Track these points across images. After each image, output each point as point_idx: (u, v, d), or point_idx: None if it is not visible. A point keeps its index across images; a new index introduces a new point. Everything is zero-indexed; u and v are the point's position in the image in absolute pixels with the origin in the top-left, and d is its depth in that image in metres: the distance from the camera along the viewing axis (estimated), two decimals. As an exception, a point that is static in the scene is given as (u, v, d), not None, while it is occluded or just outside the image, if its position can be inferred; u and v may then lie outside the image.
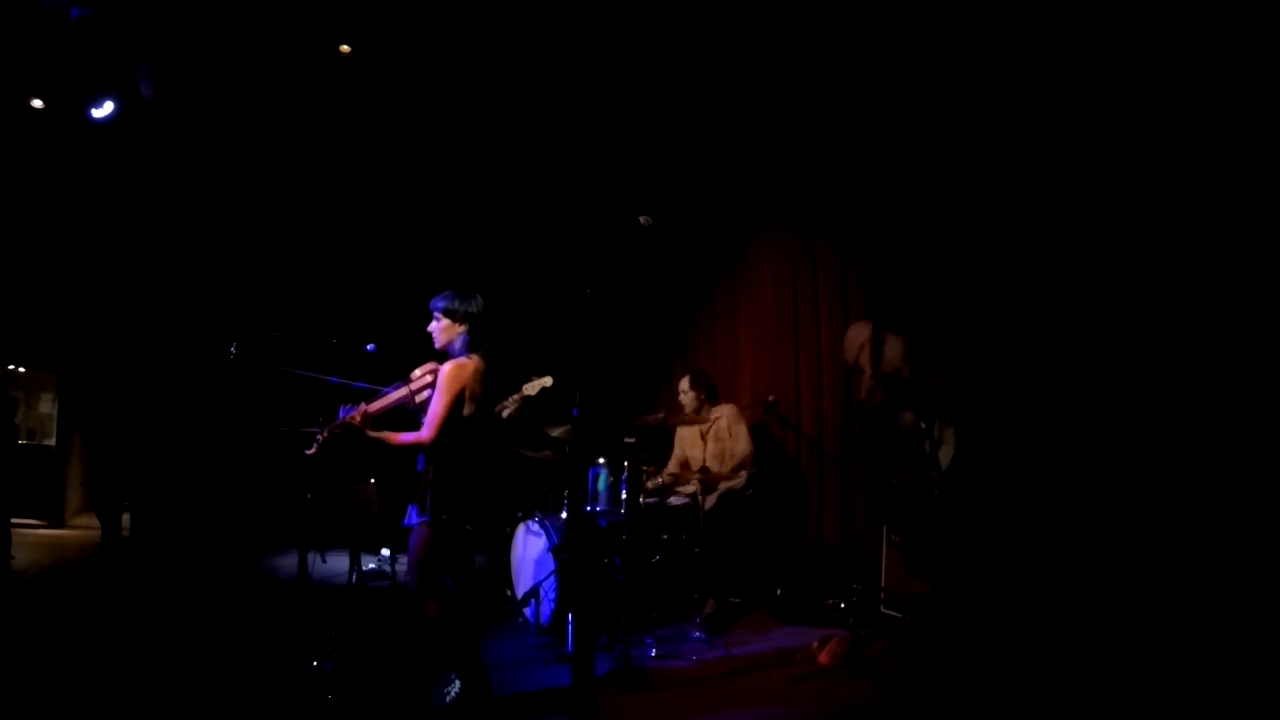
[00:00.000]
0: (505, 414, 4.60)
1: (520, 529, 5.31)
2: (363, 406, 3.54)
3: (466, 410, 3.51)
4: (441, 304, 3.63)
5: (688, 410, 5.77)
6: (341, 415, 3.57)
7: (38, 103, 7.05)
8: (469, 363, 3.53)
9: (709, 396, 5.86)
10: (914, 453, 3.30)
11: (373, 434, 3.50)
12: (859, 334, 3.64)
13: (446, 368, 3.50)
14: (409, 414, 3.61)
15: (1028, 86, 4.51)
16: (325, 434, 3.62)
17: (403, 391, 3.58)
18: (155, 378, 8.41)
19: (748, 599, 5.58)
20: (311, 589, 5.82)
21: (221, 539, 7.74)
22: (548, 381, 4.48)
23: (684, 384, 5.87)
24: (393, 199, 8.36)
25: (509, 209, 8.04)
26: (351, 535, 5.70)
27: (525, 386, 4.55)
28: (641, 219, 3.79)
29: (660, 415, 5.42)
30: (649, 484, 5.35)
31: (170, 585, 6.20)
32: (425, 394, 3.54)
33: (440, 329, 3.63)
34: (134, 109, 6.73)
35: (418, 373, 3.62)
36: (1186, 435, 3.66)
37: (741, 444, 5.67)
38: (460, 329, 3.60)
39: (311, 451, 3.65)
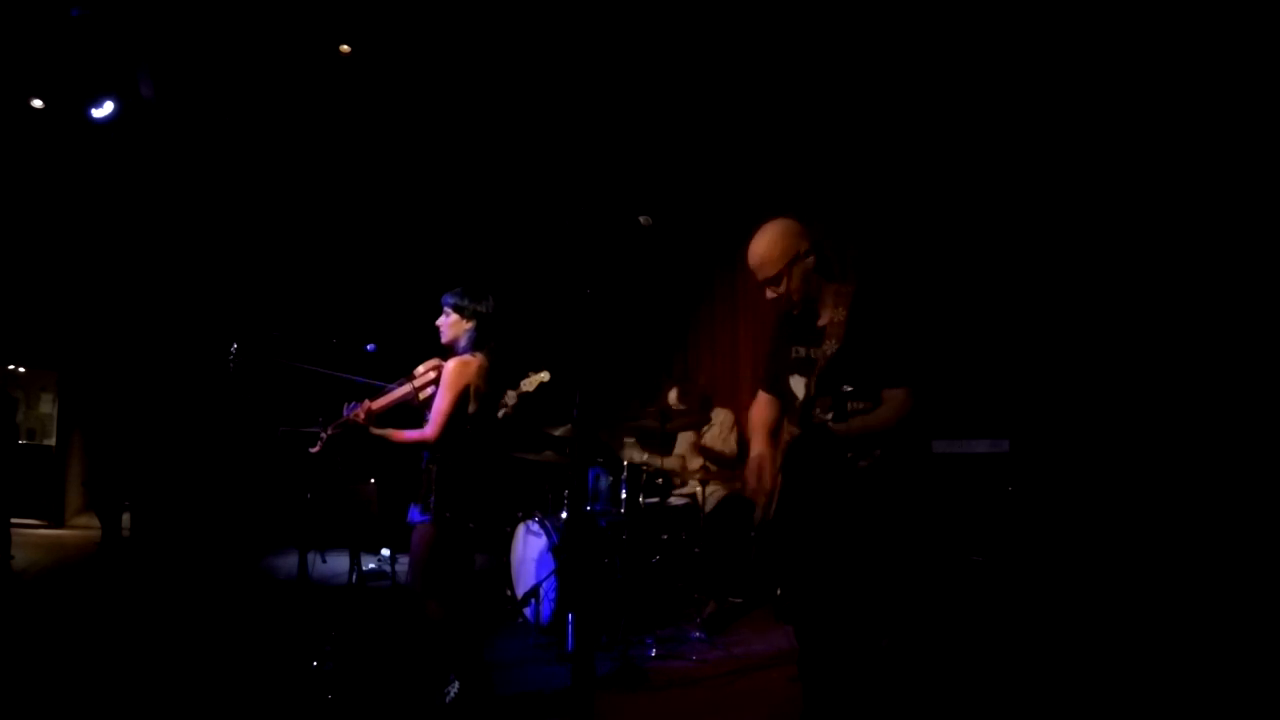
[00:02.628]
0: (501, 413, 4.59)
1: (520, 529, 5.30)
2: (366, 403, 3.54)
3: (471, 408, 3.51)
4: (452, 299, 3.64)
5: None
6: (346, 413, 3.57)
7: (38, 103, 7.06)
8: (474, 360, 3.53)
9: (701, 406, 5.85)
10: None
11: (377, 431, 3.50)
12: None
13: (451, 364, 3.50)
14: (413, 411, 3.61)
15: (1027, 89, 4.52)
16: (330, 431, 3.62)
17: (406, 389, 3.58)
18: (155, 378, 8.41)
19: (748, 599, 5.58)
20: (311, 589, 5.82)
21: (221, 539, 7.73)
22: (545, 376, 4.47)
23: (671, 397, 5.86)
24: (393, 199, 8.36)
25: (510, 209, 8.04)
26: (351, 535, 5.69)
27: (523, 383, 4.54)
28: (642, 219, 3.79)
29: (658, 412, 5.41)
30: (647, 463, 5.32)
31: (170, 585, 6.20)
32: (429, 391, 3.54)
33: (449, 324, 3.64)
34: (134, 109, 6.73)
35: (421, 369, 3.62)
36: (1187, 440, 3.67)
37: (728, 449, 5.69)
38: (468, 325, 3.60)
39: (316, 449, 3.66)
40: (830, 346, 2.53)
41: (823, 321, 2.66)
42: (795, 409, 2.69)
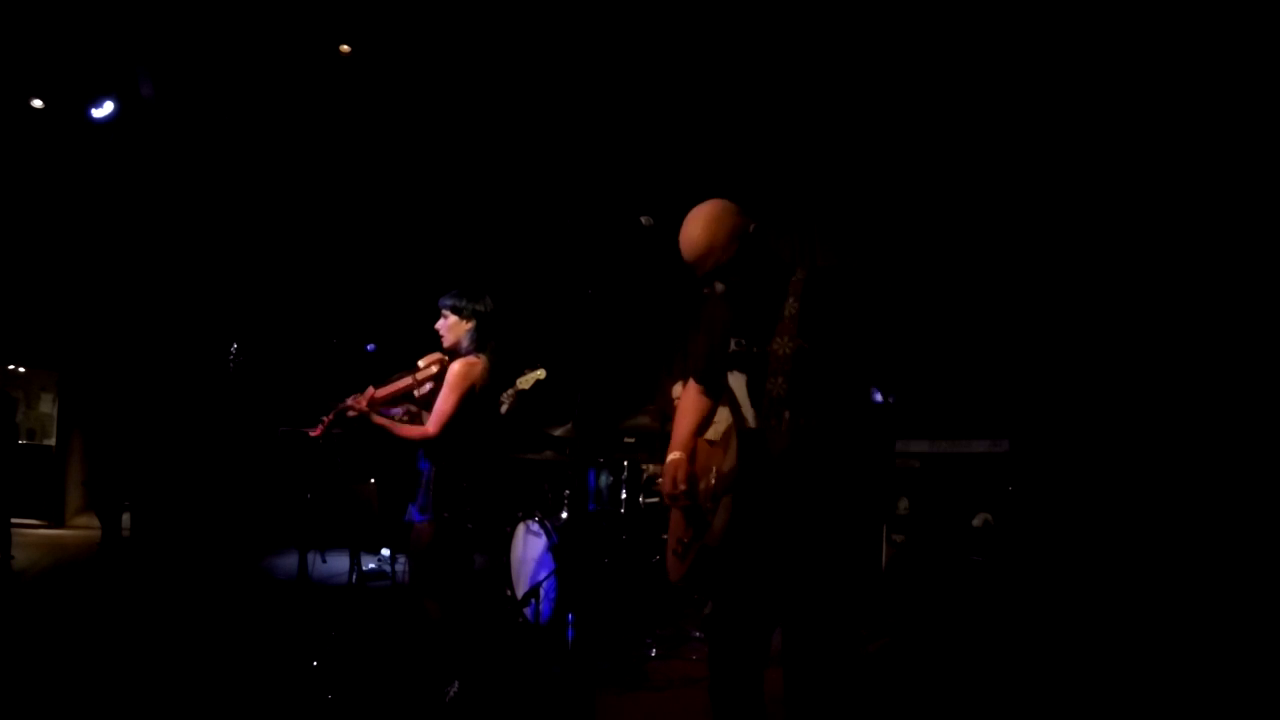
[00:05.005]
0: (504, 407, 4.59)
1: (520, 529, 5.30)
2: (370, 390, 3.53)
3: (473, 409, 3.51)
4: (449, 301, 3.64)
5: None
6: (349, 400, 3.57)
7: (38, 103, 7.06)
8: (478, 362, 3.55)
9: None
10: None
11: (379, 420, 3.50)
12: None
13: (456, 366, 3.51)
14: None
15: (1029, 88, 4.52)
16: (331, 415, 3.61)
17: (407, 380, 3.59)
18: (155, 378, 8.41)
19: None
20: (311, 589, 5.81)
21: (221, 539, 7.73)
22: (541, 374, 4.47)
23: (676, 389, 5.85)
24: (394, 199, 8.36)
25: (511, 210, 8.04)
26: (351, 535, 5.69)
27: (519, 381, 4.54)
28: (643, 219, 3.79)
29: (657, 409, 5.41)
30: (646, 470, 5.32)
31: (170, 585, 6.20)
32: (428, 386, 3.54)
33: (448, 326, 3.64)
34: (134, 109, 6.74)
35: (423, 362, 3.63)
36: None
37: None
38: (467, 326, 3.61)
39: (316, 433, 3.63)
40: (783, 345, 2.18)
41: (768, 310, 2.28)
42: (743, 415, 2.36)
